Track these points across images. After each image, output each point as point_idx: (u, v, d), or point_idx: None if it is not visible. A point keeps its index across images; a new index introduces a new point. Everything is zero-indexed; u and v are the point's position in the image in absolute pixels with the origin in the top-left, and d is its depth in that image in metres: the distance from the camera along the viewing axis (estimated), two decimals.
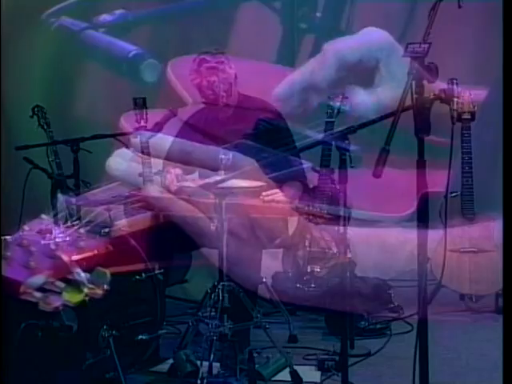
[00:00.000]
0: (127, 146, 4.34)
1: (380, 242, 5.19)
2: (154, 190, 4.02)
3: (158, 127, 4.14)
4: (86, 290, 3.04)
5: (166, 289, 3.71)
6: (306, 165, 4.08)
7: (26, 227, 3.17)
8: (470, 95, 4.46)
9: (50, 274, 3.07)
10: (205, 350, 3.21)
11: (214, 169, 3.46)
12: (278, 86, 5.10)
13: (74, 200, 3.33)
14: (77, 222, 3.37)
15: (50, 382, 3.09)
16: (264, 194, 3.62)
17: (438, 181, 2.72)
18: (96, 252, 3.14)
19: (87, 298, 3.00)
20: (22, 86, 5.50)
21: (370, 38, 5.37)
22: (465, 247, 4.51)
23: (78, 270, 3.08)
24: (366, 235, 4.99)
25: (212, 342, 3.20)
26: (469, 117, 4.46)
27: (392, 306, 4.46)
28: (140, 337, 3.31)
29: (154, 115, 4.13)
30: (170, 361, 3.43)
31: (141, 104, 4.45)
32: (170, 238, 3.79)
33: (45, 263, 3.14)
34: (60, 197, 3.48)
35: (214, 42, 5.19)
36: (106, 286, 3.02)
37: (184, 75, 4.29)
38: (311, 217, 4.17)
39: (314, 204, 4.16)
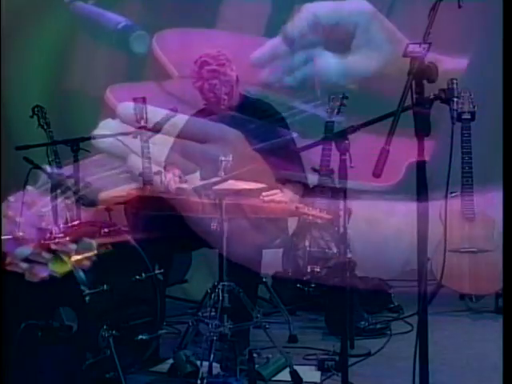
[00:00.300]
0: (126, 145, 4.34)
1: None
2: (154, 190, 4.03)
3: (158, 127, 4.14)
4: (72, 260, 3.04)
5: (165, 289, 3.71)
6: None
7: (11, 198, 3.17)
8: (470, 95, 4.47)
9: (37, 245, 3.08)
10: (205, 350, 3.21)
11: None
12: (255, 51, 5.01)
13: (61, 172, 3.31)
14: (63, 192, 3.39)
15: (50, 382, 3.09)
16: (264, 194, 3.62)
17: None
18: (81, 222, 3.15)
19: (73, 268, 3.01)
20: (22, 78, 5.51)
21: (351, 4, 5.36)
22: (465, 247, 4.51)
23: (64, 240, 3.09)
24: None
25: (212, 342, 3.20)
26: (469, 117, 4.46)
27: (392, 306, 4.46)
28: (140, 337, 3.30)
29: (141, 88, 4.07)
30: (170, 361, 3.43)
31: (141, 104, 4.45)
32: (170, 238, 3.79)
33: (31, 233, 3.15)
34: (47, 168, 3.47)
35: (204, 13, 5.14)
36: (92, 257, 3.03)
37: (169, 48, 4.23)
38: (311, 217, 4.17)
39: (314, 204, 4.16)
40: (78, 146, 3.96)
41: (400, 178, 4.11)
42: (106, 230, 3.43)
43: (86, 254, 3.05)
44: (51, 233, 3.27)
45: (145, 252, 3.47)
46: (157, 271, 3.45)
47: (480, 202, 4.50)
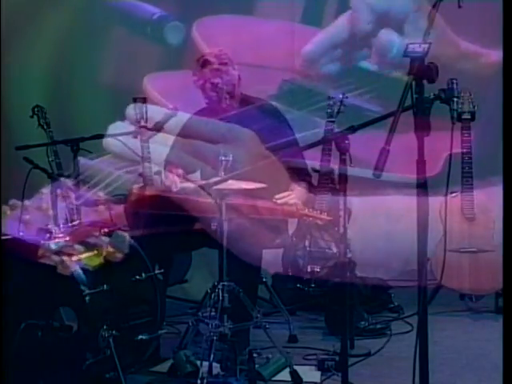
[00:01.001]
0: (126, 146, 4.34)
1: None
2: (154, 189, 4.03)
3: (158, 127, 4.15)
4: (104, 254, 3.04)
5: (166, 289, 3.71)
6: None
7: (44, 190, 3.17)
8: (470, 95, 4.47)
9: (69, 238, 3.08)
10: (205, 350, 3.21)
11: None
12: (306, 45, 5.00)
13: (92, 163, 3.31)
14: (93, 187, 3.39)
15: (50, 381, 3.09)
16: (277, 196, 3.62)
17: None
18: (115, 215, 3.15)
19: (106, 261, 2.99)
20: (22, 78, 5.50)
21: None
22: (465, 247, 4.51)
23: (97, 233, 3.09)
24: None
25: (212, 342, 3.20)
26: (469, 117, 4.46)
27: (392, 306, 4.46)
28: (140, 337, 3.30)
29: (178, 76, 4.04)
30: (170, 361, 3.43)
31: (141, 104, 4.45)
32: (171, 238, 3.79)
33: (64, 226, 3.16)
34: (81, 159, 3.46)
35: (239, 2, 5.14)
36: (125, 250, 3.02)
37: (209, 35, 4.21)
38: (311, 218, 4.17)
39: (314, 204, 4.16)
40: (77, 146, 3.96)
41: (439, 171, 4.09)
42: (106, 229, 3.43)
43: (120, 248, 3.05)
44: (51, 233, 3.27)
45: (145, 252, 3.47)
46: (157, 271, 3.45)
47: (480, 201, 4.50)
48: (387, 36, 4.78)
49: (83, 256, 3.07)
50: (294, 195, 3.70)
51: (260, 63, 4.87)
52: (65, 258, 3.02)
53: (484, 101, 3.89)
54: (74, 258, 3.04)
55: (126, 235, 3.07)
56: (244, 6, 5.31)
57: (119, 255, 3.05)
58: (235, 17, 5.23)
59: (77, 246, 3.07)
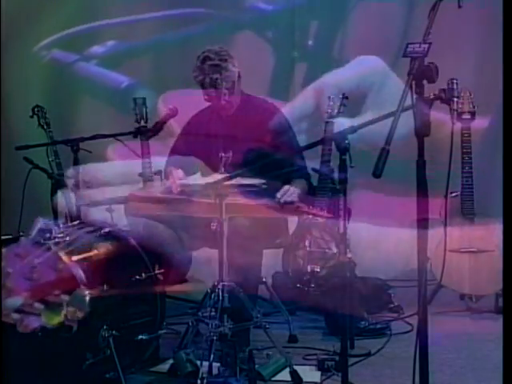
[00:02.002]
0: (126, 145, 4.34)
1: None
2: (154, 190, 4.03)
3: (158, 127, 4.15)
4: (64, 312, 3.02)
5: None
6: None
7: (3, 250, 3.15)
8: (470, 95, 4.47)
9: (28, 296, 3.06)
10: (205, 350, 3.20)
11: None
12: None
13: (49, 223, 3.30)
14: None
15: (50, 382, 3.09)
16: (279, 195, 3.62)
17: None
18: (75, 274, 3.14)
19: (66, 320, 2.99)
20: (22, 78, 5.51)
21: (365, 65, 5.46)
22: (465, 247, 4.51)
23: (57, 291, 3.06)
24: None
25: (212, 342, 3.19)
26: (469, 117, 4.46)
27: (392, 306, 4.46)
28: (140, 337, 3.30)
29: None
30: (170, 361, 3.43)
31: (141, 104, 4.46)
32: (171, 238, 3.79)
33: (22, 285, 3.12)
34: (39, 220, 3.46)
35: None
36: (86, 309, 3.01)
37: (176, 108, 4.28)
38: (311, 217, 4.17)
39: (314, 204, 4.16)
40: (77, 146, 3.96)
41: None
42: (106, 229, 3.43)
43: (80, 307, 3.04)
44: (51, 233, 3.27)
45: (145, 252, 3.47)
46: (157, 271, 3.45)
47: (480, 202, 4.50)
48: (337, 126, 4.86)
49: (43, 315, 3.06)
50: (293, 189, 3.70)
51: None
52: (24, 316, 3.02)
53: None
54: (34, 317, 3.03)
55: (87, 294, 3.06)
56: None
57: (80, 314, 3.04)
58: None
59: (36, 305, 3.06)
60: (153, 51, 5.73)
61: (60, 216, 4.04)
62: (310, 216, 4.09)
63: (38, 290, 3.05)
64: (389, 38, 5.44)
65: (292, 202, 3.55)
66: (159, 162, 4.28)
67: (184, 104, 4.35)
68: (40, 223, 3.25)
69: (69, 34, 5.65)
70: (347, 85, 5.36)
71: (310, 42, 5.67)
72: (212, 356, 3.16)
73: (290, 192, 3.67)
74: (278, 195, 3.61)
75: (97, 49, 5.69)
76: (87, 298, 3.04)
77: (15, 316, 3.02)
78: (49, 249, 3.16)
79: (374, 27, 5.49)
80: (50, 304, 3.04)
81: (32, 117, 4.58)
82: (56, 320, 3.02)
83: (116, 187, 4.62)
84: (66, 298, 3.03)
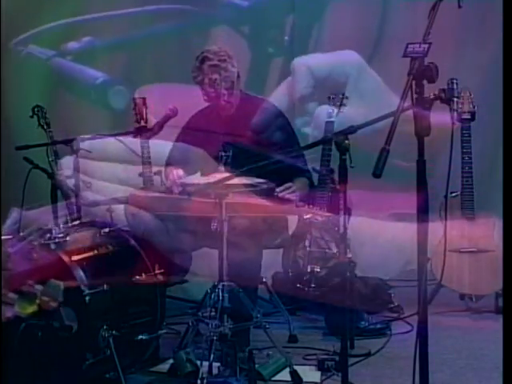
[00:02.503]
0: (126, 145, 4.35)
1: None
2: (154, 190, 4.04)
3: (158, 127, 4.15)
4: (38, 302, 3.02)
5: (165, 289, 3.71)
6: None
7: None
8: (470, 95, 4.47)
9: (3, 286, 3.06)
10: (205, 350, 3.20)
11: None
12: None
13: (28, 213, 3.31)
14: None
15: (50, 381, 3.09)
16: (278, 190, 3.62)
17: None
18: (49, 263, 3.14)
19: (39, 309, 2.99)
20: (22, 78, 5.51)
21: (341, 56, 5.50)
22: (465, 247, 4.51)
23: (31, 281, 3.06)
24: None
25: (212, 342, 3.19)
26: (469, 117, 4.46)
27: (392, 306, 4.46)
28: (140, 337, 3.30)
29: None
30: (170, 361, 3.43)
31: (141, 104, 4.46)
32: (171, 238, 3.79)
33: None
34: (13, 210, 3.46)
35: (183, 68, 5.00)
36: (59, 298, 3.01)
37: (150, 103, 4.29)
38: (311, 216, 4.17)
39: (314, 204, 4.16)
40: (78, 146, 3.96)
41: None
42: (106, 229, 3.43)
43: (54, 296, 3.04)
44: (51, 233, 3.27)
45: (145, 252, 3.47)
46: (157, 271, 3.45)
47: (480, 202, 4.50)
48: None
49: (17, 304, 3.06)
50: (294, 187, 3.70)
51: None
52: None
53: None
54: (8, 307, 3.04)
55: (61, 284, 3.06)
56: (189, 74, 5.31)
57: (53, 304, 3.04)
58: (179, 85, 5.19)
59: (10, 295, 3.07)
60: (128, 47, 5.73)
61: (60, 216, 4.04)
62: (310, 215, 4.09)
63: (12, 280, 3.06)
64: (365, 34, 5.48)
65: (291, 200, 3.56)
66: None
67: (162, 97, 4.34)
68: (13, 213, 3.26)
69: (44, 29, 5.65)
70: (318, 68, 5.44)
71: (286, 38, 5.69)
72: (212, 356, 3.16)
73: (291, 189, 3.68)
74: (278, 190, 3.61)
75: (72, 44, 5.68)
76: (61, 288, 3.04)
77: None
78: (23, 238, 3.17)
79: (349, 22, 5.52)
80: (23, 294, 3.05)
81: (32, 117, 4.57)
82: (30, 309, 3.02)
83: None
84: (39, 287, 3.04)
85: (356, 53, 5.45)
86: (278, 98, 5.43)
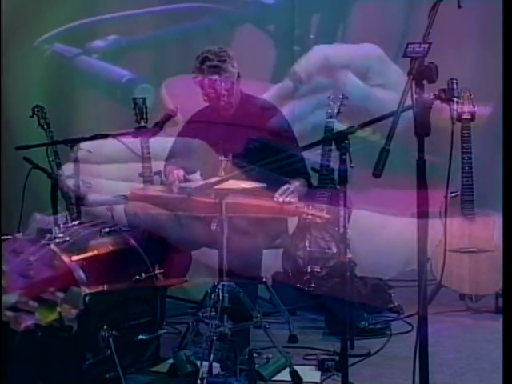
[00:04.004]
0: (126, 145, 4.34)
1: None
2: (154, 190, 4.03)
3: (158, 127, 4.14)
4: (59, 310, 3.00)
5: (166, 289, 3.71)
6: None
7: None
8: (470, 95, 4.47)
9: (23, 293, 3.04)
10: (205, 350, 3.20)
11: None
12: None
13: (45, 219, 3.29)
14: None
15: (50, 382, 3.09)
16: (277, 194, 3.61)
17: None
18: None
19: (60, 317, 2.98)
20: (22, 78, 5.51)
21: (361, 48, 5.46)
22: (465, 247, 4.51)
23: (52, 289, 3.05)
24: None
25: (212, 341, 3.19)
26: (469, 117, 4.46)
27: (392, 306, 4.46)
28: (140, 337, 3.30)
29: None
30: (170, 361, 3.43)
31: (141, 104, 4.46)
32: (171, 238, 3.79)
33: (18, 282, 3.10)
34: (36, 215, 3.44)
35: None
36: (81, 306, 2.99)
37: (177, 94, 4.27)
38: (311, 217, 4.16)
39: (314, 204, 4.16)
40: (78, 145, 3.96)
41: None
42: (106, 229, 3.43)
43: (74, 304, 3.02)
44: (51, 233, 3.27)
45: (145, 252, 3.47)
46: (157, 271, 3.45)
47: (480, 202, 4.50)
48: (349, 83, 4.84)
49: (37, 312, 3.04)
50: (292, 188, 3.70)
51: None
52: (19, 314, 3.01)
53: None
54: (28, 315, 3.02)
55: (82, 291, 3.05)
56: None
57: (74, 311, 3.02)
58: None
59: (31, 302, 3.05)
60: (153, 46, 5.73)
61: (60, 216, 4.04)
62: (310, 216, 4.09)
63: (33, 288, 3.05)
64: (389, 34, 5.45)
65: (291, 202, 3.55)
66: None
67: (186, 91, 4.34)
68: (36, 219, 3.24)
69: (69, 28, 5.64)
70: (336, 59, 5.40)
71: (312, 36, 5.70)
72: (212, 356, 3.16)
73: (289, 191, 3.67)
74: (277, 194, 3.61)
75: (98, 43, 5.68)
76: (82, 296, 3.04)
77: (9, 314, 3.01)
78: (45, 246, 3.16)
79: (374, 22, 5.50)
80: (44, 301, 3.03)
81: (32, 117, 4.58)
82: (50, 318, 3.01)
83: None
84: (60, 295, 3.02)
85: (378, 47, 5.41)
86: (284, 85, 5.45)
